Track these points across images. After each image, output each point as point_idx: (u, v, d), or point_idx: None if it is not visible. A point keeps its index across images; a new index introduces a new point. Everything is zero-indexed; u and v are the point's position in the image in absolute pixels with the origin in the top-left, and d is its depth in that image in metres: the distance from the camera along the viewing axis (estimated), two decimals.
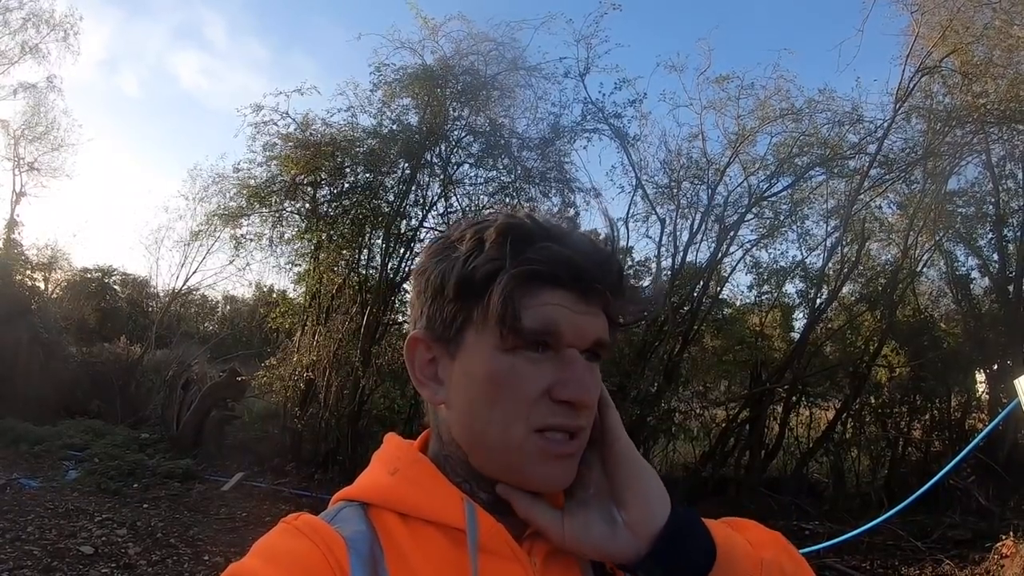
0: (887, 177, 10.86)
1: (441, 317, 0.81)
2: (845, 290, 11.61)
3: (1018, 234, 11.05)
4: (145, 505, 8.18)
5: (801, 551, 0.90)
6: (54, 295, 20.99)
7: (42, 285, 20.54)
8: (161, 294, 20.88)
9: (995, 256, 11.41)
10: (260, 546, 0.74)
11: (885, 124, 10.13)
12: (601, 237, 0.84)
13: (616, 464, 0.80)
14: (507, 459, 0.77)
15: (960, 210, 11.39)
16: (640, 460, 0.81)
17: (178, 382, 13.18)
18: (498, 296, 0.75)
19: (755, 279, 12.08)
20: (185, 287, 18.56)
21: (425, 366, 0.85)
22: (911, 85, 10.02)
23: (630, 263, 11.19)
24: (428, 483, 0.81)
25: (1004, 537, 6.74)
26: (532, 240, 0.77)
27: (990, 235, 11.47)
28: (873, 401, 11.25)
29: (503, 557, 0.77)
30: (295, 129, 11.13)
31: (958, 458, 5.71)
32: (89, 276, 22.38)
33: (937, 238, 11.38)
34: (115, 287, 22.99)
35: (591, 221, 11.50)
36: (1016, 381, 4.17)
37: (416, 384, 0.86)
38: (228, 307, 24.24)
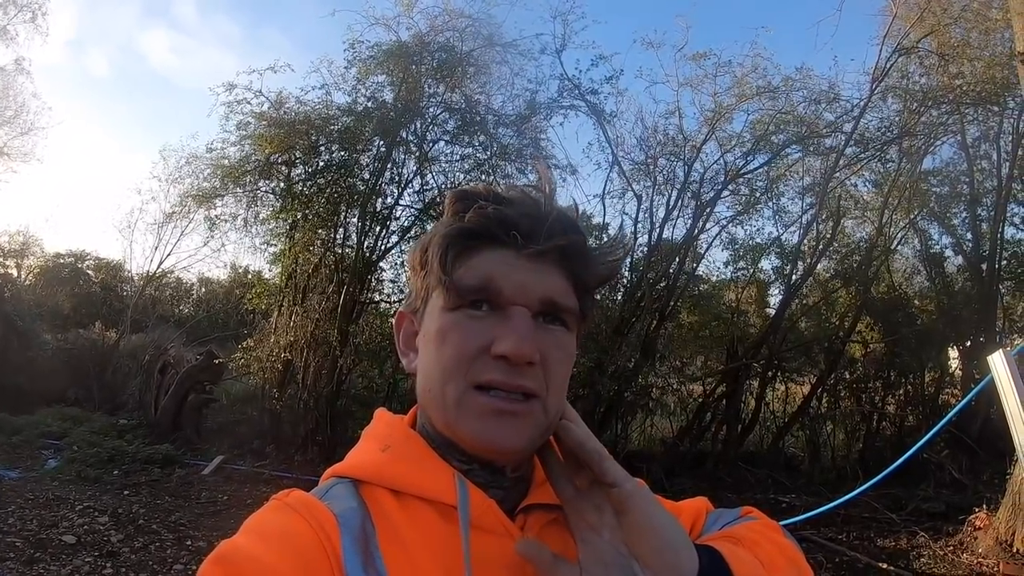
0: (863, 155, 10.98)
1: (415, 289, 0.85)
2: (820, 266, 11.76)
3: (991, 213, 11.19)
4: (126, 492, 8.11)
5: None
6: (27, 282, 20.79)
7: (14, 272, 20.37)
8: (135, 278, 20.68)
9: (969, 235, 11.59)
10: (251, 523, 0.73)
11: (861, 103, 10.23)
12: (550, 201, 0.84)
13: (629, 516, 0.73)
14: (447, 416, 0.77)
15: (935, 189, 11.57)
16: (657, 509, 0.75)
17: (155, 366, 13.06)
18: (433, 255, 0.79)
19: (731, 255, 12.18)
20: (159, 270, 18.36)
21: (409, 338, 0.88)
22: (888, 65, 10.10)
23: (605, 239, 11.25)
24: (420, 459, 0.80)
25: (977, 510, 6.84)
26: (473, 203, 0.78)
27: (964, 214, 11.64)
28: (848, 376, 11.40)
29: (496, 533, 0.76)
30: (269, 108, 11.02)
31: (932, 432, 5.78)
32: (62, 262, 22.09)
33: (912, 216, 11.53)
34: (88, 272, 22.66)
35: (567, 198, 11.46)
36: (989, 358, 4.22)
37: (400, 356, 0.89)
38: (203, 289, 24.01)
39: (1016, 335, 11.10)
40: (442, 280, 0.77)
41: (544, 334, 0.77)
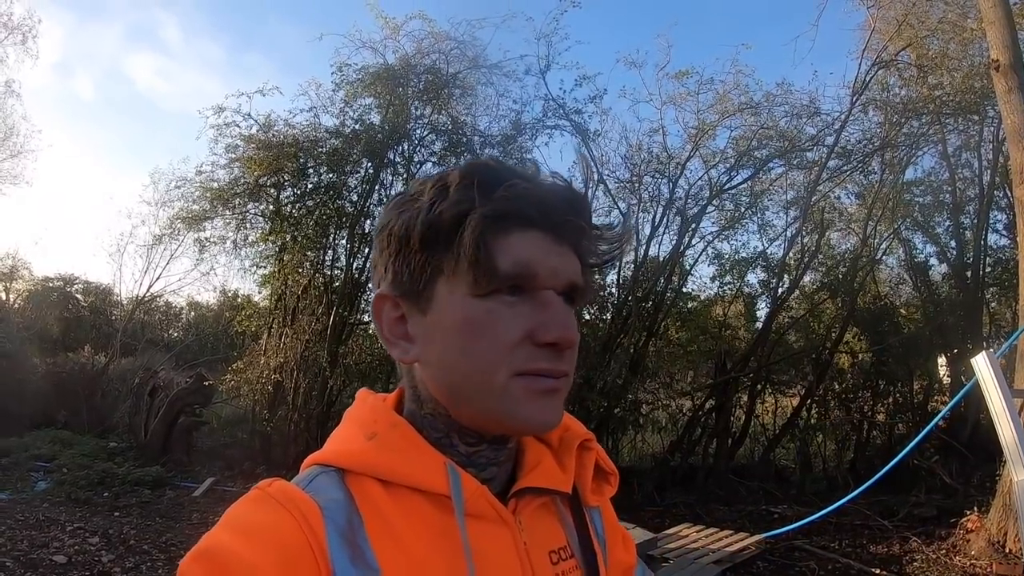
0: (845, 168, 11.07)
1: (408, 270, 0.77)
2: (806, 279, 11.79)
3: (974, 221, 11.31)
4: (116, 513, 8.05)
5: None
6: (15, 305, 20.66)
7: (3, 295, 20.26)
8: (124, 302, 20.53)
9: (952, 243, 11.71)
10: (232, 515, 0.71)
11: (842, 116, 10.31)
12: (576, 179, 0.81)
13: None
14: (490, 405, 0.74)
15: (917, 199, 11.64)
16: None
17: (144, 389, 12.94)
18: (470, 238, 0.72)
19: (717, 270, 12.16)
20: (149, 294, 18.24)
21: (394, 324, 0.80)
22: (868, 78, 10.20)
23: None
24: (409, 449, 0.77)
25: (969, 513, 6.86)
26: (500, 180, 0.74)
27: (947, 223, 11.75)
28: (837, 387, 11.35)
29: (489, 520, 0.76)
30: (257, 130, 11.03)
31: (920, 435, 5.85)
32: (51, 285, 21.95)
33: (895, 226, 11.59)
34: (77, 296, 22.53)
35: None
36: (973, 360, 4.28)
37: (385, 344, 0.81)
38: (192, 313, 23.91)
39: (1003, 340, 11.17)
40: (479, 264, 0.72)
41: (571, 316, 0.77)
